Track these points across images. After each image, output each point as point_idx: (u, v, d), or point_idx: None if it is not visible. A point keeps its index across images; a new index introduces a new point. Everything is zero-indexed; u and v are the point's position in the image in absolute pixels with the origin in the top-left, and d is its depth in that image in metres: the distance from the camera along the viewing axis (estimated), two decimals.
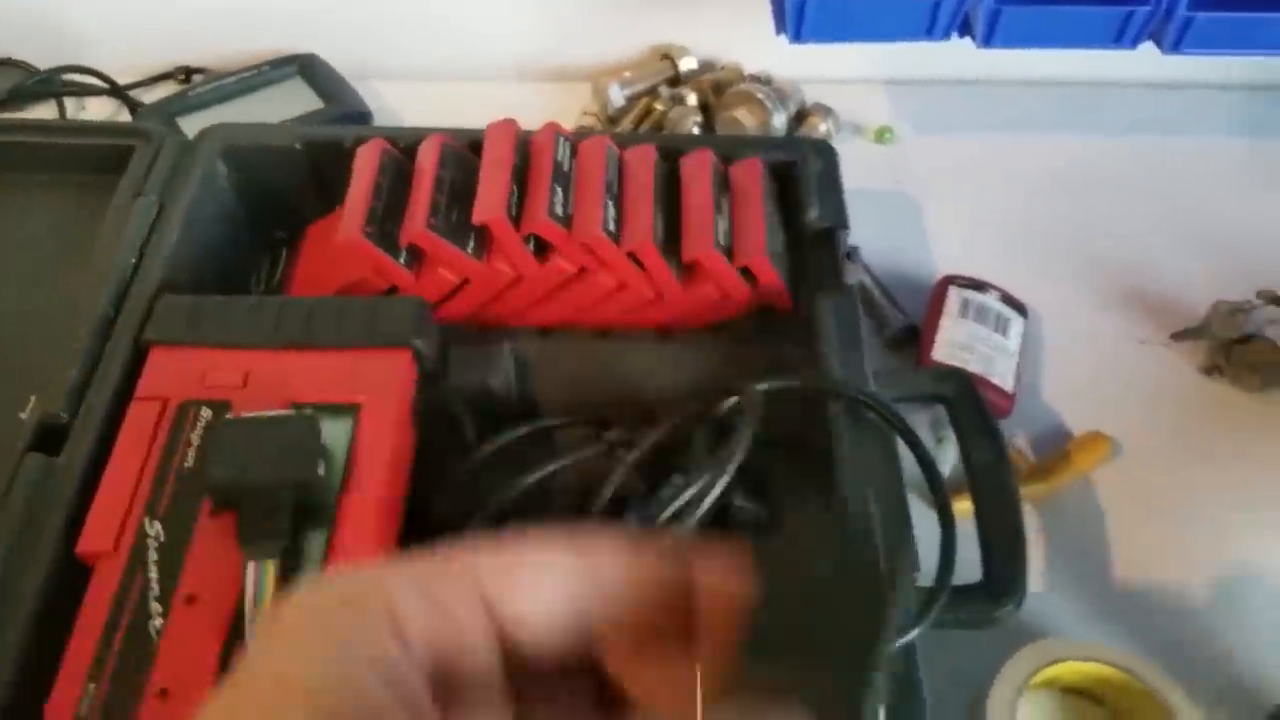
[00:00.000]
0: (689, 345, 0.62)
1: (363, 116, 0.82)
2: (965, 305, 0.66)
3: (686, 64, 0.84)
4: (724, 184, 0.63)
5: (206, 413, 0.51)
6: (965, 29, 0.67)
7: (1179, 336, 0.69)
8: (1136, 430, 0.65)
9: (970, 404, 0.53)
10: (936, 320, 0.65)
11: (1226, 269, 0.74)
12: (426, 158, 0.62)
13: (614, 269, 0.59)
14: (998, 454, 0.51)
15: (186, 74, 0.87)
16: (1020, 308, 0.67)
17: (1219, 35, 0.66)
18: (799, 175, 0.65)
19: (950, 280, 0.68)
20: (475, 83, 0.88)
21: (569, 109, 0.84)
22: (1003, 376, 0.63)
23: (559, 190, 0.59)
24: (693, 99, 0.80)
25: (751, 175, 0.63)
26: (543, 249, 0.59)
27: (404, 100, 0.86)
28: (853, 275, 0.60)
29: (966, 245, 0.75)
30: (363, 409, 0.51)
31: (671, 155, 0.65)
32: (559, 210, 0.58)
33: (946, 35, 0.65)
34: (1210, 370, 0.68)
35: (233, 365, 0.53)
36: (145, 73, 0.88)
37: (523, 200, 0.59)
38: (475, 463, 0.54)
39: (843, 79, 0.86)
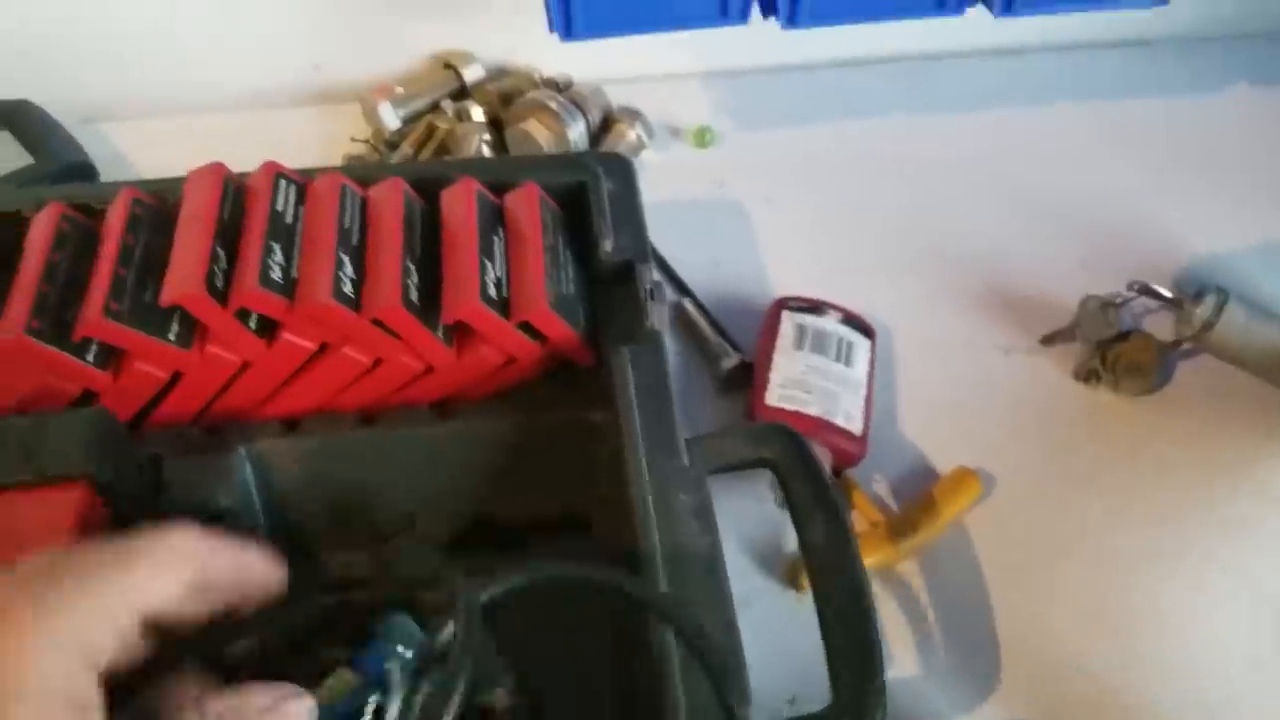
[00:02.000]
0: (475, 420, 0.50)
1: (83, 170, 0.68)
2: (801, 334, 0.56)
3: (472, 73, 0.73)
4: (496, 219, 0.52)
5: None
6: (769, 9, 0.57)
7: (1048, 340, 0.61)
8: (1010, 456, 0.56)
9: (799, 469, 0.43)
10: (769, 356, 0.55)
11: (1092, 253, 0.66)
12: (113, 221, 0.49)
13: (361, 342, 0.47)
14: (836, 531, 0.41)
15: None
16: (866, 329, 0.58)
17: None
18: (589, 199, 0.54)
19: (783, 304, 0.58)
20: (228, 113, 0.75)
21: (339, 136, 0.72)
22: (849, 415, 0.53)
23: (277, 249, 0.47)
24: (479, 114, 0.69)
25: (528, 205, 0.52)
26: (270, 325, 0.47)
27: (141, 144, 0.73)
28: (659, 317, 0.49)
29: (803, 255, 0.66)
30: None
31: (431, 188, 0.53)
32: (276, 275, 0.46)
33: (744, 18, 0.55)
34: (1086, 377, 0.59)
35: None
36: None
37: (232, 265, 0.47)
38: None
39: (652, 76, 0.76)
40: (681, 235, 0.66)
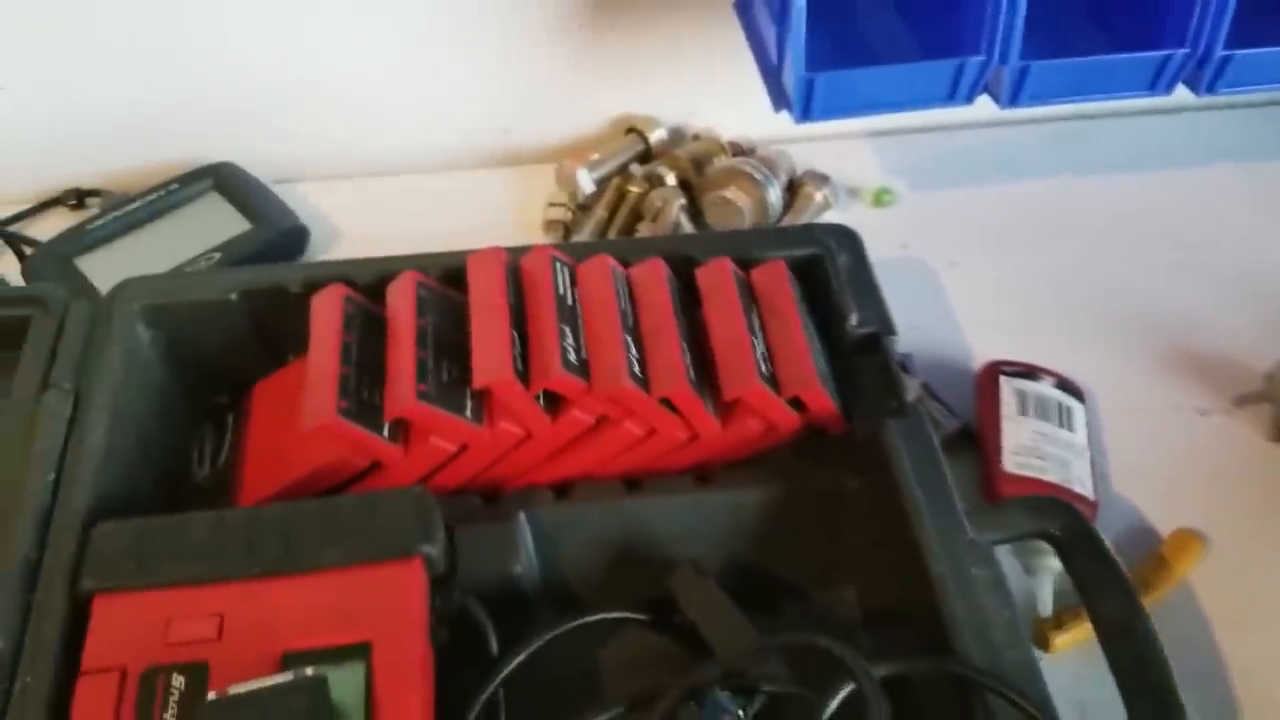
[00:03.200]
0: (733, 489, 0.53)
1: (299, 233, 0.71)
2: (1023, 400, 0.58)
3: (657, 136, 0.75)
4: (749, 295, 0.55)
5: (179, 680, 0.40)
6: (985, 88, 0.60)
7: (1242, 401, 0.63)
8: (1219, 516, 0.58)
9: (1085, 544, 0.46)
10: (996, 421, 0.58)
11: (1270, 314, 0.68)
12: (400, 305, 0.52)
13: (642, 416, 0.50)
14: (1130, 605, 0.44)
15: (79, 197, 0.74)
16: (1078, 393, 0.60)
17: (1253, 72, 0.60)
18: (827, 273, 0.57)
19: (998, 369, 0.60)
20: (420, 175, 0.78)
21: (530, 198, 0.75)
22: (1081, 481, 0.56)
23: (568, 332, 0.50)
24: (671, 179, 0.72)
25: (778, 283, 0.55)
26: (555, 401, 0.50)
27: (341, 204, 0.75)
28: (913, 390, 0.52)
29: (995, 317, 0.68)
30: (375, 648, 0.41)
31: (674, 260, 0.56)
32: (573, 358, 0.49)
33: (970, 100, 0.58)
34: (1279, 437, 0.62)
35: (201, 608, 0.43)
36: (26, 198, 0.75)
37: (526, 348, 0.50)
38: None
39: (821, 136, 0.78)
40: None
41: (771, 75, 0.60)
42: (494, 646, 0.46)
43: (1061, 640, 0.52)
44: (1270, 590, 0.56)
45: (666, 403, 0.50)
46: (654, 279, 0.54)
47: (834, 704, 0.41)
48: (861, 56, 0.62)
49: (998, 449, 0.56)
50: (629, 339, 0.50)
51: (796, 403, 0.51)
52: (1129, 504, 0.59)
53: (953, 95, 0.57)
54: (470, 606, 0.46)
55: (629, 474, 0.53)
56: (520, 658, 0.46)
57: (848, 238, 0.59)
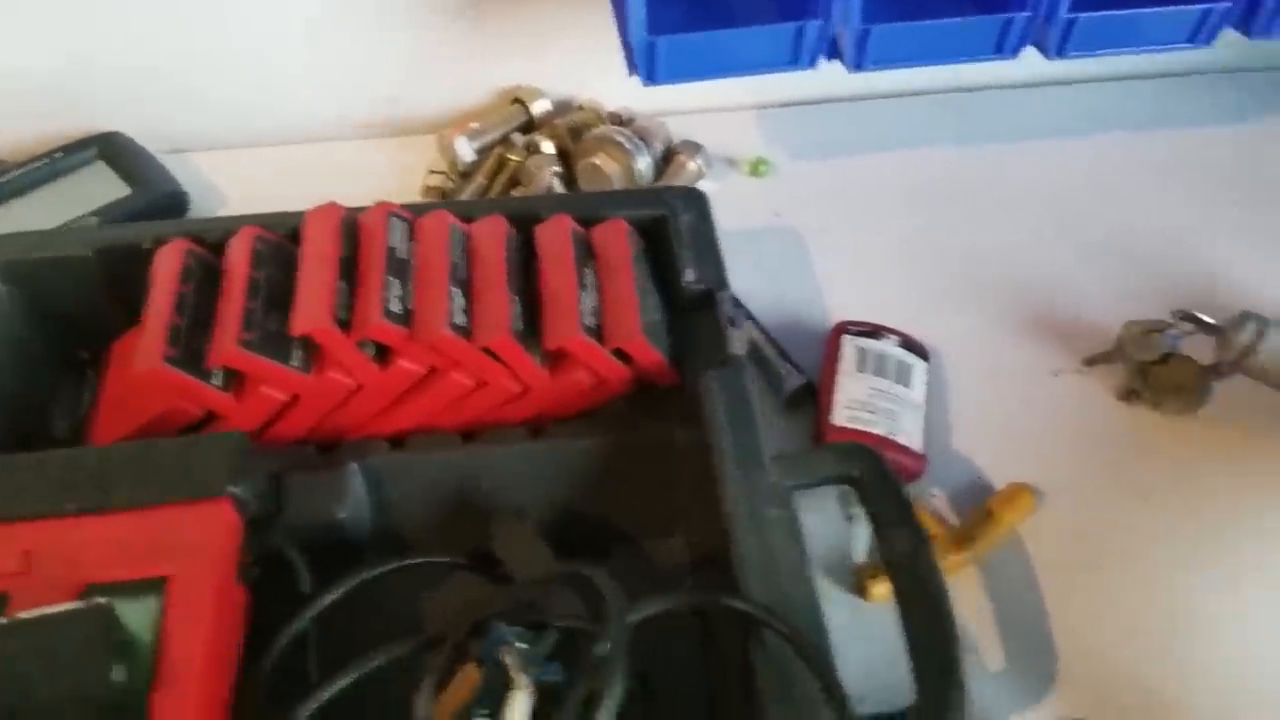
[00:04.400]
0: (566, 440, 0.54)
1: (177, 199, 0.72)
2: (863, 357, 0.60)
3: (540, 107, 0.77)
4: (587, 253, 0.56)
5: None
6: (833, 52, 0.61)
7: (1091, 362, 0.65)
8: (1059, 472, 0.60)
9: (880, 485, 0.47)
10: (833, 377, 0.59)
11: (1139, 281, 0.70)
12: (237, 257, 0.53)
13: (468, 367, 0.51)
14: (916, 542, 0.45)
15: None
16: (921, 351, 0.62)
17: (1104, 35, 0.62)
18: (670, 232, 0.58)
19: (844, 329, 0.62)
20: (309, 145, 0.79)
21: (416, 168, 0.76)
22: (910, 434, 0.57)
23: (395, 283, 0.51)
24: (549, 147, 0.73)
25: (617, 240, 0.56)
26: (384, 351, 0.51)
27: (227, 173, 0.77)
28: (739, 343, 0.53)
29: (857, 282, 0.69)
30: (171, 583, 0.43)
31: (525, 221, 0.57)
32: (396, 307, 0.50)
33: (813, 63, 0.59)
34: (1128, 396, 0.63)
35: (9, 544, 0.44)
36: None
37: (354, 298, 0.51)
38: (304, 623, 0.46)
39: (711, 108, 0.80)
40: (742, 263, 0.69)
41: (624, 40, 0.61)
42: (306, 586, 0.47)
43: (880, 589, 0.53)
44: (1100, 545, 0.58)
45: (490, 353, 0.51)
46: (492, 235, 0.55)
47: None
48: (721, 22, 0.63)
49: (831, 403, 0.58)
50: (456, 290, 0.51)
51: (623, 355, 0.53)
52: (968, 461, 0.61)
53: (795, 59, 0.59)
54: (285, 548, 0.48)
55: (470, 428, 0.55)
56: (333, 595, 0.47)
57: (695, 199, 0.60)
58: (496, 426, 0.54)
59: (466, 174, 0.74)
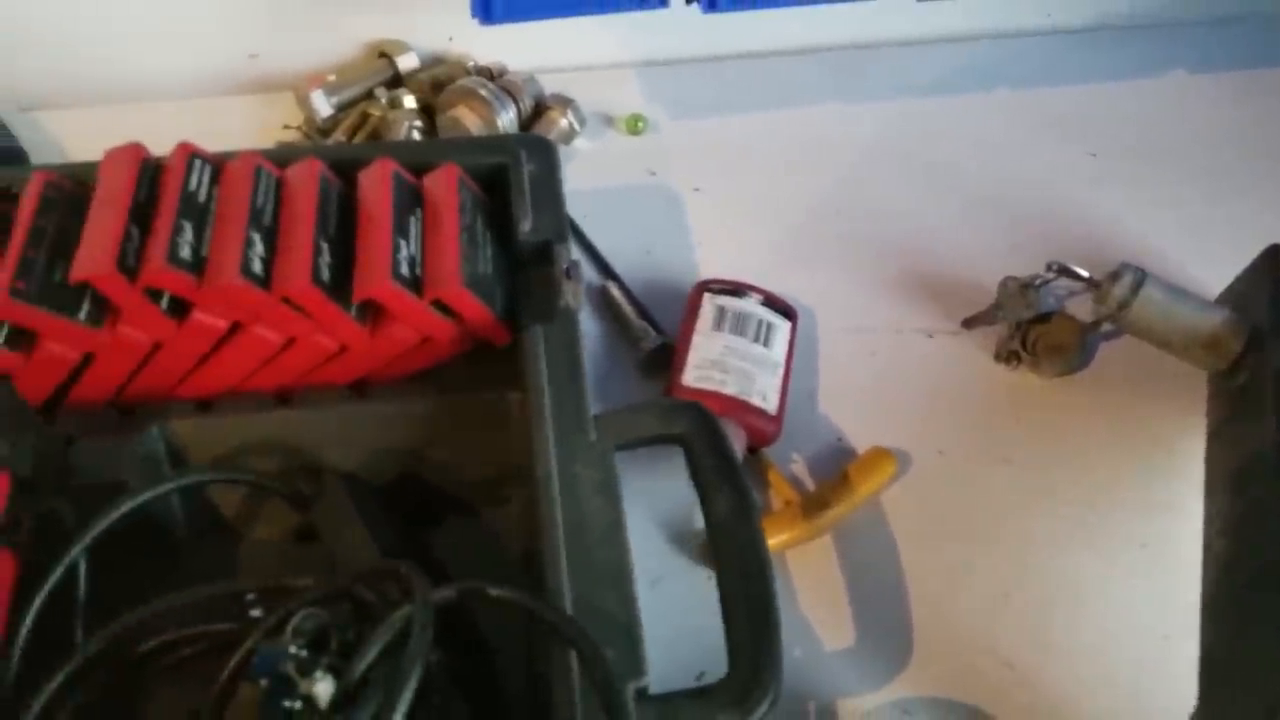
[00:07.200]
0: (389, 401, 0.51)
1: (14, 154, 0.68)
2: (721, 315, 0.56)
3: (406, 62, 0.73)
4: (415, 200, 0.52)
5: None
6: None
7: (969, 323, 0.62)
8: (929, 437, 0.57)
9: (705, 444, 0.44)
10: (689, 337, 0.55)
11: (1020, 238, 0.67)
12: (24, 205, 0.49)
13: (272, 321, 0.48)
14: (739, 505, 0.42)
15: None
16: (786, 311, 0.58)
17: None
18: (509, 181, 0.54)
19: (705, 287, 0.58)
20: (165, 102, 0.74)
21: (275, 123, 0.72)
22: (764, 395, 0.54)
23: (188, 227, 0.47)
24: (410, 100, 0.69)
25: (447, 186, 0.53)
26: (182, 305, 0.47)
27: (77, 132, 0.72)
28: (572, 295, 0.50)
29: (732, 241, 0.66)
30: None
31: (352, 170, 0.53)
32: (185, 254, 0.46)
33: (663, 3, 0.55)
34: (1007, 358, 0.60)
35: None
36: None
37: (143, 244, 0.47)
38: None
39: (587, 66, 0.76)
40: (613, 222, 0.66)
41: None
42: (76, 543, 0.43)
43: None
44: (965, 514, 0.55)
45: (291, 303, 0.47)
46: (305, 180, 0.51)
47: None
48: None
49: (683, 363, 0.54)
50: (255, 237, 0.47)
51: (446, 309, 0.49)
52: (831, 423, 0.57)
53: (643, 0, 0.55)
54: (59, 509, 0.44)
55: (285, 390, 0.51)
56: (94, 531, 0.43)
57: (541, 148, 0.57)
58: (315, 388, 0.51)
59: (326, 131, 0.70)
